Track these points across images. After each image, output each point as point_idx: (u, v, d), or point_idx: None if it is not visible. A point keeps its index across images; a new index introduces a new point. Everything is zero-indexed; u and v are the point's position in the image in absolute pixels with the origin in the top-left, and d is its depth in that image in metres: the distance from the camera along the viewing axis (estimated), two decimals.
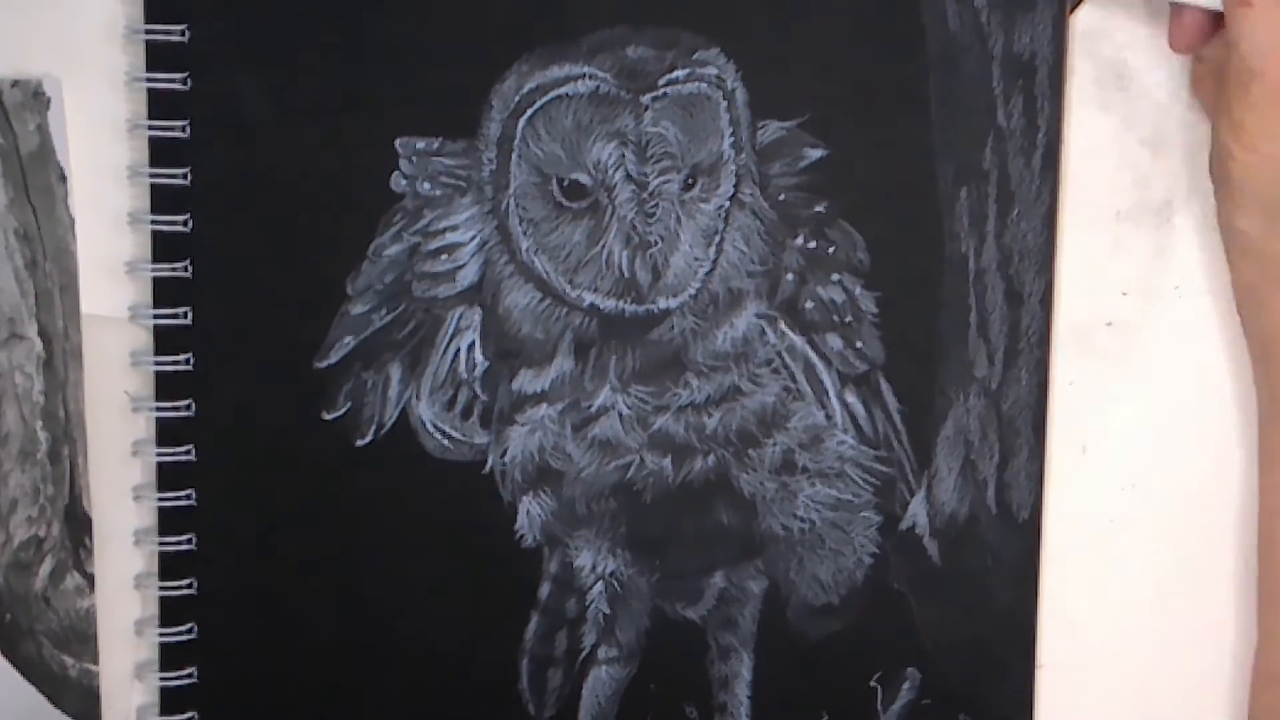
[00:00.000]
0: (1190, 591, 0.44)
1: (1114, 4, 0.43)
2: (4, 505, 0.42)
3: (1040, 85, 0.42)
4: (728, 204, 0.42)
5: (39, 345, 0.42)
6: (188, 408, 0.42)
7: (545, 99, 0.41)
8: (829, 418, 0.43)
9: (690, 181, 0.42)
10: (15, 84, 0.41)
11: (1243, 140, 0.36)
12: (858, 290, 0.43)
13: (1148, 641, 0.44)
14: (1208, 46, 0.40)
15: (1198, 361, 0.44)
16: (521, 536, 0.43)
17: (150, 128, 0.41)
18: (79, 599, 0.42)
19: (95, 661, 0.43)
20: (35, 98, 0.41)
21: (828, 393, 0.43)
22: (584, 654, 0.44)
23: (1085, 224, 0.43)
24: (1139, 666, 0.45)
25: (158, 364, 0.41)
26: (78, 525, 0.42)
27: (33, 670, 0.43)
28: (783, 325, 0.43)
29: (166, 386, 0.42)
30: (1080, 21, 0.43)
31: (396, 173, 0.42)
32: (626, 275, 0.42)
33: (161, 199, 0.41)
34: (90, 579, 0.42)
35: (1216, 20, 0.39)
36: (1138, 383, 0.44)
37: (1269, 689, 0.40)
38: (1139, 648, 0.44)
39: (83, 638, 0.43)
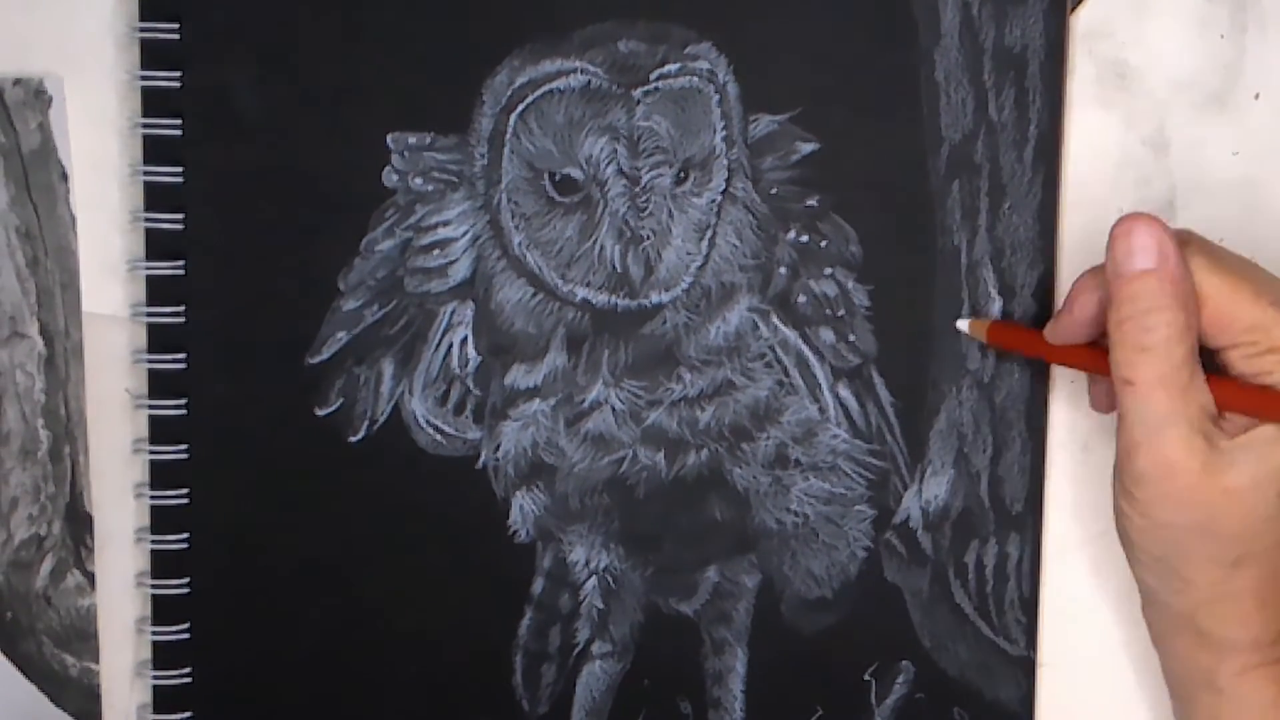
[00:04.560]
0: None
1: (1115, 3, 0.45)
2: (5, 504, 0.44)
3: (1032, 78, 0.44)
4: (719, 198, 0.44)
5: (40, 343, 0.44)
6: (182, 406, 0.44)
7: (537, 94, 0.44)
8: (822, 411, 0.45)
9: (682, 176, 0.44)
10: (17, 82, 0.43)
11: (1135, 506, 0.40)
12: (850, 284, 0.45)
13: (1147, 641, 0.45)
14: None
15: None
16: (515, 532, 0.46)
17: (144, 126, 0.44)
18: (80, 597, 0.45)
19: (96, 660, 0.45)
20: (37, 96, 0.43)
21: (820, 386, 0.45)
22: (578, 649, 0.46)
23: (1086, 223, 0.46)
24: (1139, 666, 0.46)
25: (151, 362, 0.44)
26: (78, 524, 0.45)
27: (33, 669, 0.45)
28: (775, 319, 0.45)
29: (160, 385, 0.45)
30: (1081, 21, 0.45)
31: (388, 168, 0.44)
32: (619, 270, 0.44)
33: (155, 197, 0.44)
34: (91, 577, 0.45)
35: None
36: None
37: None
38: (1139, 647, 0.45)
39: (83, 636, 0.45)
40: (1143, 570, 0.41)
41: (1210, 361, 0.40)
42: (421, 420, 0.45)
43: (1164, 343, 0.38)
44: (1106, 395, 0.44)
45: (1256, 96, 0.46)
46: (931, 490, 0.46)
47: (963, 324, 0.44)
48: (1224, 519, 0.39)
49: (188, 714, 0.45)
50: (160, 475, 0.44)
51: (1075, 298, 0.41)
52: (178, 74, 0.43)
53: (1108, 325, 0.39)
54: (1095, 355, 0.41)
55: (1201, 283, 0.39)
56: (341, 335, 0.45)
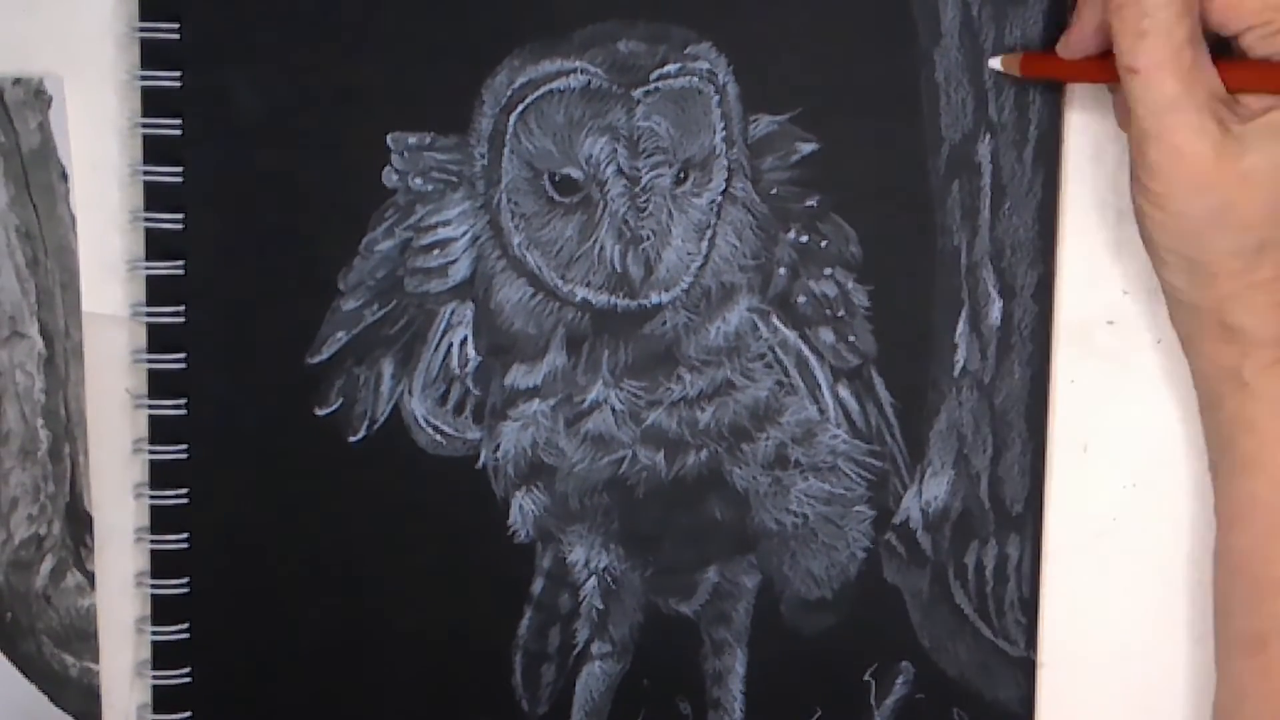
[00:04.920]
0: (1191, 591, 0.47)
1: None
2: (5, 503, 0.45)
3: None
4: (719, 198, 0.45)
5: (40, 343, 0.45)
6: (182, 406, 0.45)
7: (536, 94, 0.44)
8: (822, 412, 0.45)
9: (682, 176, 0.44)
10: (17, 82, 0.44)
11: (1152, 200, 0.39)
12: (850, 284, 0.45)
13: (1148, 641, 0.46)
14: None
15: None
16: (514, 532, 0.46)
17: (144, 126, 0.44)
18: (79, 597, 0.45)
19: (96, 660, 0.45)
20: (37, 96, 0.44)
21: (820, 387, 0.45)
22: (577, 649, 0.47)
23: (1086, 223, 0.46)
24: (1139, 666, 0.46)
25: (151, 362, 0.45)
26: (78, 523, 0.45)
27: (33, 669, 0.45)
28: (775, 319, 0.45)
29: (160, 385, 0.45)
30: (1080, 18, 0.44)
31: (388, 168, 0.45)
32: (619, 270, 0.44)
33: (155, 197, 0.44)
34: (91, 577, 0.45)
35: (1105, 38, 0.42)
36: (1139, 382, 0.46)
37: None
38: (1139, 648, 0.46)
39: (83, 636, 0.45)
40: (1167, 270, 0.41)
41: (1227, 48, 0.39)
42: (421, 420, 0.45)
43: (1163, 25, 0.38)
44: (1081, 43, 0.43)
45: None
46: (931, 491, 0.46)
47: (995, 62, 0.43)
48: (1242, 204, 0.38)
49: (187, 714, 0.46)
50: (160, 475, 0.45)
51: (1082, 7, 0.41)
52: (178, 74, 0.44)
53: (1108, 15, 0.39)
54: (1113, 66, 0.41)
55: None
56: (341, 335, 0.45)
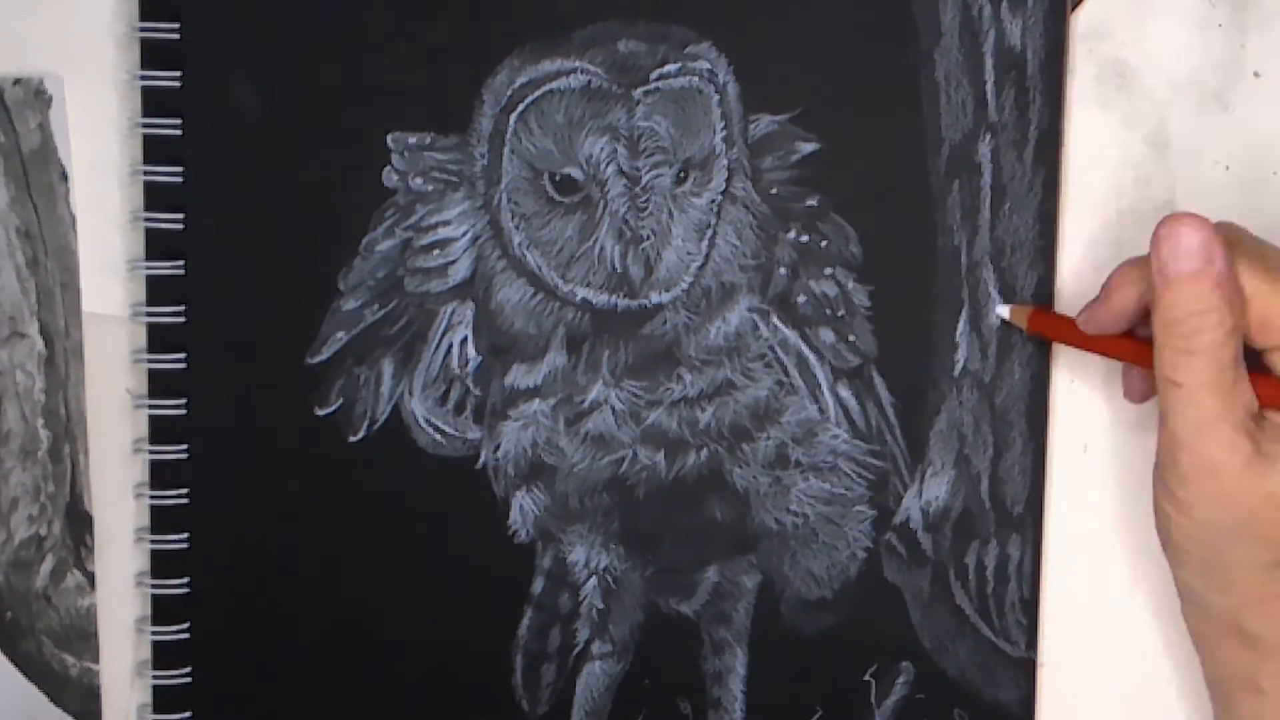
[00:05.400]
0: None
1: (1115, 3, 0.45)
2: (5, 503, 0.45)
3: (1033, 78, 0.45)
4: (720, 198, 0.45)
5: (40, 343, 0.45)
6: (182, 406, 0.45)
7: (537, 94, 0.44)
8: (822, 412, 0.45)
9: (682, 176, 0.44)
10: (17, 82, 0.44)
11: (1177, 507, 0.40)
12: (850, 284, 0.45)
13: (1148, 641, 0.46)
14: None
15: None
16: (514, 532, 0.46)
17: (144, 126, 0.44)
18: (79, 597, 0.45)
19: (96, 660, 0.46)
20: (37, 96, 0.44)
21: (820, 386, 0.45)
22: (577, 649, 0.47)
23: (1086, 223, 0.46)
24: (1139, 666, 0.46)
25: (151, 362, 0.45)
26: (78, 523, 0.45)
27: (33, 669, 0.45)
28: (775, 319, 0.45)
29: (160, 385, 0.45)
30: (1081, 20, 0.45)
31: (388, 168, 0.45)
32: (619, 270, 0.44)
33: (155, 197, 0.44)
34: (91, 577, 0.45)
35: None
36: None
37: None
38: (1139, 648, 0.46)
39: (83, 636, 0.45)
40: (1184, 571, 0.41)
41: (1253, 360, 0.40)
42: (421, 420, 0.45)
43: (1211, 346, 0.38)
44: (1140, 384, 0.44)
45: (1256, 75, 0.46)
46: (932, 491, 0.46)
47: (1003, 310, 0.44)
48: (1266, 522, 0.39)
49: (187, 714, 0.46)
50: (160, 475, 0.45)
51: (1114, 290, 0.41)
52: (178, 74, 0.44)
53: (1154, 325, 0.39)
54: (1134, 346, 0.41)
55: (1247, 283, 0.39)
56: (341, 335, 0.45)
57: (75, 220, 0.44)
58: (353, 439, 0.45)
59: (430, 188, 0.45)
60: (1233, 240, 0.40)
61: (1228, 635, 0.41)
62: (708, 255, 0.45)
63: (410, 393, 0.45)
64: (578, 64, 0.44)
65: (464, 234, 0.45)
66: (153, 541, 0.45)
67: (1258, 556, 0.39)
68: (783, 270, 0.45)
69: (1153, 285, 0.39)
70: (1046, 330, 0.44)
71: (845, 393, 0.46)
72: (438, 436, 0.45)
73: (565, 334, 0.45)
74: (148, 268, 0.44)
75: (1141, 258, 0.40)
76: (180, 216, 0.44)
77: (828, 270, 0.45)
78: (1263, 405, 0.39)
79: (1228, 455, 0.38)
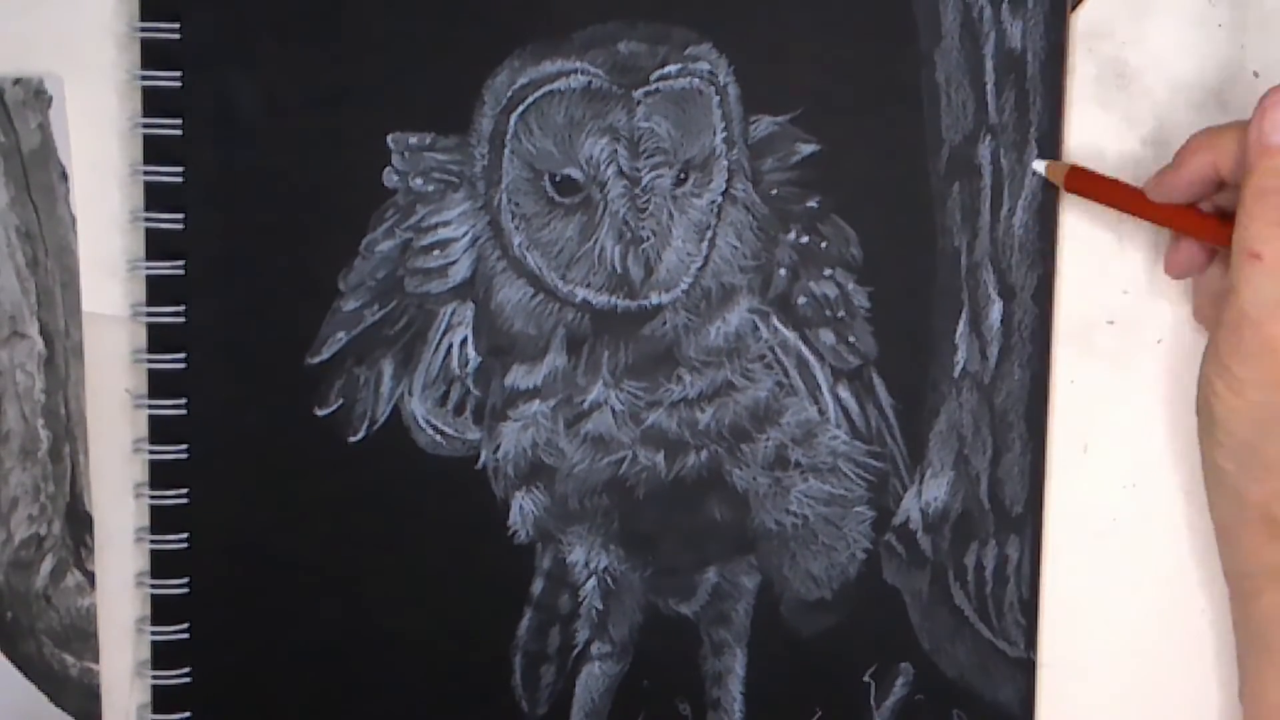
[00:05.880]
0: (1191, 590, 0.47)
1: (1115, 3, 0.45)
2: (5, 503, 0.45)
3: (1033, 80, 0.45)
4: (720, 199, 0.45)
5: (40, 343, 0.45)
6: (182, 406, 0.45)
7: (537, 94, 0.44)
8: (822, 413, 0.45)
9: (682, 177, 0.44)
10: (17, 82, 0.44)
11: (1230, 384, 0.39)
12: (850, 285, 0.45)
13: (1148, 641, 0.46)
14: (1205, 276, 0.43)
15: (1199, 360, 0.45)
16: (514, 532, 0.46)
17: (144, 126, 0.44)
18: (79, 597, 0.45)
19: (96, 660, 0.46)
20: (37, 96, 0.44)
21: (820, 388, 0.45)
22: (577, 650, 0.47)
23: (1086, 222, 0.46)
24: (1139, 666, 0.47)
25: (151, 362, 0.45)
26: (78, 523, 0.45)
27: (33, 669, 0.45)
28: (775, 320, 0.45)
29: (160, 385, 0.45)
30: (1081, 20, 0.45)
31: (389, 168, 0.45)
32: (619, 270, 0.45)
33: (156, 197, 0.44)
34: (91, 577, 0.45)
35: (1211, 251, 0.42)
36: (1139, 381, 0.46)
37: None
38: (1139, 648, 0.46)
39: (83, 636, 0.45)
40: (1222, 454, 0.41)
41: None
42: (421, 421, 0.45)
43: None
44: (1187, 260, 0.43)
45: (1256, 75, 0.46)
46: (931, 492, 0.46)
47: (1039, 165, 0.43)
48: None
49: (187, 714, 0.46)
50: (160, 475, 0.45)
51: (1188, 156, 0.41)
52: (178, 74, 0.44)
53: (1242, 195, 0.39)
54: (1200, 219, 0.41)
55: None
56: (341, 335, 0.45)
57: (75, 220, 0.44)
58: (352, 439, 0.45)
59: (430, 188, 0.45)
60: None
61: (1258, 524, 0.40)
62: (708, 256, 0.45)
63: (410, 393, 0.45)
64: (578, 65, 0.44)
65: (464, 234, 0.45)
66: (153, 541, 0.45)
67: None
68: (783, 271, 0.45)
69: (1245, 153, 0.38)
70: (1086, 190, 0.42)
71: (845, 394, 0.46)
72: (437, 437, 0.46)
73: (565, 335, 0.45)
74: (148, 268, 0.44)
75: (1221, 127, 0.39)
76: (180, 216, 0.44)
77: (828, 271, 0.45)
78: None
79: None
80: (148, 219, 0.44)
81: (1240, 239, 0.39)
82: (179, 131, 0.44)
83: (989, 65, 0.45)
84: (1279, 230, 0.38)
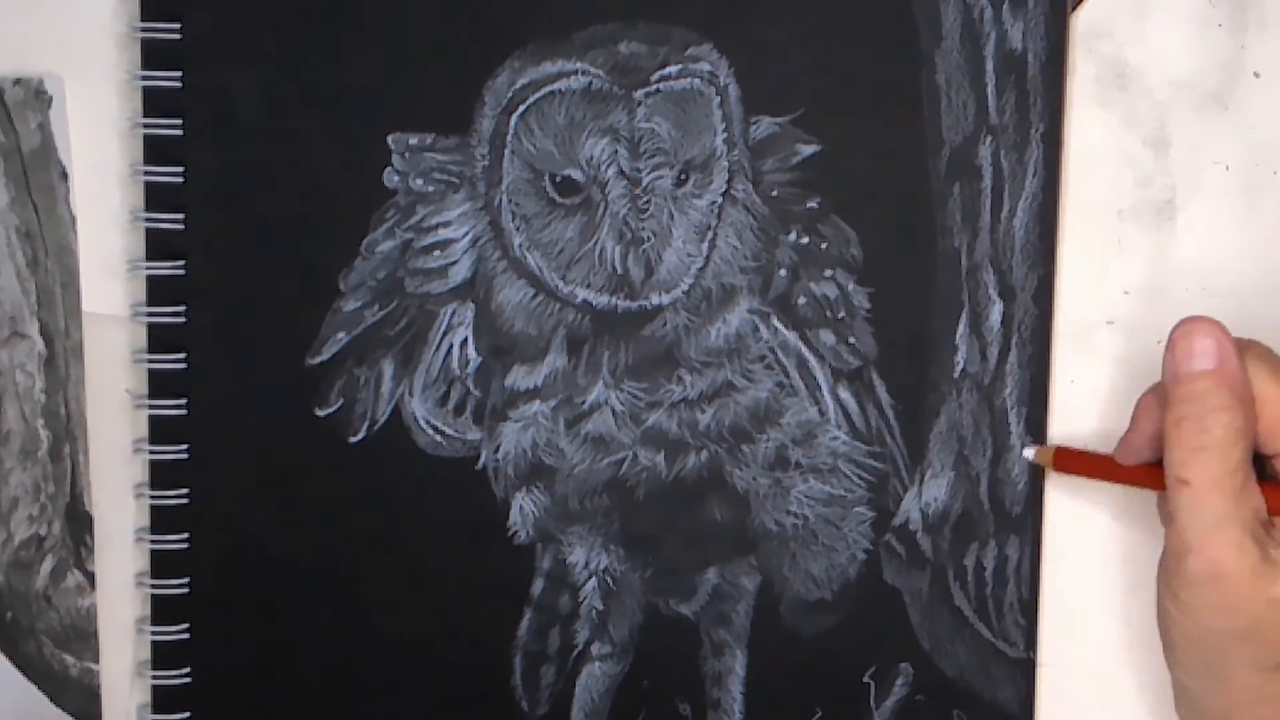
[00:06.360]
0: None
1: (1115, 3, 0.45)
2: (5, 504, 0.45)
3: (1033, 81, 0.45)
4: (720, 200, 0.45)
5: (40, 343, 0.45)
6: (182, 406, 0.45)
7: (538, 95, 0.44)
8: (822, 413, 0.45)
9: (683, 177, 0.44)
10: (17, 82, 0.44)
11: (1180, 608, 0.40)
12: (850, 286, 0.45)
13: (1147, 642, 0.46)
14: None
15: None
16: (514, 533, 0.46)
17: (145, 126, 0.44)
18: (80, 597, 0.46)
19: (96, 660, 0.46)
20: (37, 96, 0.44)
21: (820, 388, 0.45)
22: (577, 650, 0.47)
23: (1086, 223, 0.46)
24: (1139, 668, 0.46)
25: (152, 362, 0.45)
26: (78, 523, 0.45)
27: (33, 669, 0.46)
28: (775, 321, 0.45)
29: (160, 385, 0.45)
30: (1081, 20, 0.45)
31: (389, 169, 0.45)
32: (619, 271, 0.45)
33: (155, 197, 0.44)
34: (91, 577, 0.46)
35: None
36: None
37: None
38: (1139, 649, 0.46)
39: (83, 636, 0.46)
40: (1182, 672, 0.42)
41: (1261, 469, 0.40)
42: (421, 421, 0.45)
43: (1221, 443, 0.39)
44: (1138, 449, 0.44)
45: (1256, 75, 0.46)
46: (931, 492, 0.46)
47: (1029, 452, 0.45)
48: (1269, 627, 0.39)
49: (187, 714, 0.46)
50: (160, 475, 0.45)
51: (1139, 415, 0.42)
52: (178, 74, 0.44)
53: (1165, 426, 0.40)
54: (1152, 472, 0.42)
55: (1259, 388, 0.40)
56: (342, 336, 0.45)
57: (75, 220, 0.44)
58: (353, 439, 0.45)
59: (431, 188, 0.45)
60: (1245, 346, 0.40)
61: None
62: (708, 257, 0.45)
63: (410, 393, 0.45)
64: (579, 65, 0.44)
65: (464, 235, 0.45)
66: (153, 541, 0.45)
67: (1259, 659, 0.40)
68: (783, 272, 0.45)
69: (1167, 387, 0.39)
70: (1072, 467, 0.44)
71: (845, 394, 0.46)
72: (438, 437, 0.46)
73: (566, 335, 0.45)
74: (148, 268, 0.44)
75: (1159, 383, 0.41)
76: (180, 216, 0.44)
77: (828, 272, 0.45)
78: (1272, 512, 0.40)
79: (1235, 559, 0.39)
80: (148, 219, 0.44)
81: (1168, 467, 0.39)
82: (179, 131, 0.44)
83: (989, 66, 0.45)
84: (1199, 454, 0.39)
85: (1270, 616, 0.39)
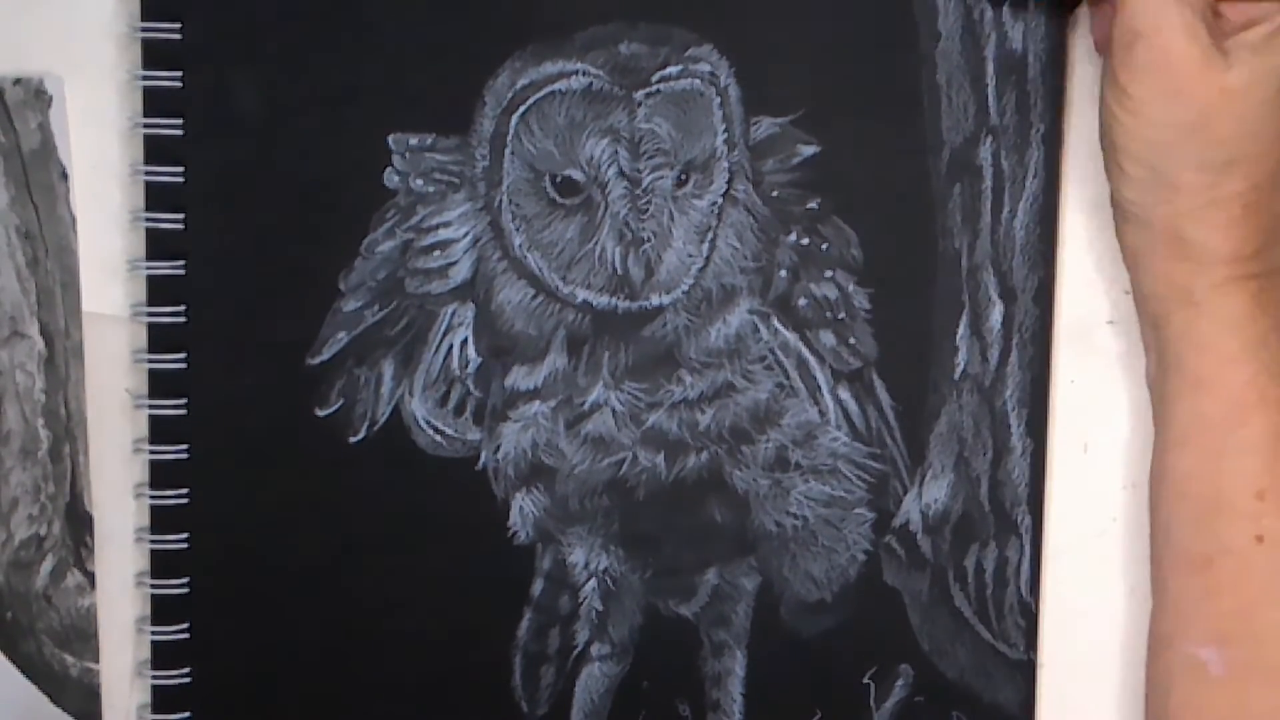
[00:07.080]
0: None
1: None
2: (5, 503, 0.45)
3: (1033, 81, 0.45)
4: (720, 200, 0.45)
5: (40, 343, 0.45)
6: (182, 406, 0.45)
7: (538, 95, 0.44)
8: (822, 414, 0.45)
9: (683, 178, 0.45)
10: (17, 82, 0.44)
11: (1127, 105, 0.39)
12: (851, 287, 0.45)
13: (1147, 645, 0.46)
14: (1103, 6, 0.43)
15: None
16: (514, 533, 0.46)
17: (145, 126, 0.44)
18: (80, 597, 0.46)
19: (96, 660, 0.46)
20: (37, 96, 0.44)
21: (821, 389, 0.45)
22: (577, 651, 0.47)
23: (1086, 222, 0.46)
24: (1139, 668, 0.46)
25: (152, 362, 0.45)
26: (78, 523, 0.45)
27: (33, 669, 0.46)
28: (776, 322, 0.45)
29: (160, 385, 0.45)
30: (1080, 20, 0.45)
31: (389, 169, 0.45)
32: (619, 271, 0.45)
33: (156, 197, 0.44)
34: (91, 577, 0.46)
35: None
36: (1139, 381, 0.46)
37: (1162, 652, 0.42)
38: (1139, 648, 0.46)
39: (83, 636, 0.46)
40: (1126, 183, 0.40)
41: None
42: (421, 421, 0.46)
43: None
44: (1108, 30, 0.42)
45: None
46: (931, 493, 0.46)
47: None
48: (1218, 119, 0.38)
49: (187, 714, 0.46)
50: (160, 475, 0.45)
51: None
52: (178, 74, 0.44)
53: None
54: None
55: None
56: (342, 336, 0.45)
57: (75, 220, 0.45)
58: (353, 439, 0.45)
59: (431, 189, 0.45)
60: None
61: (1166, 248, 0.40)
62: (708, 257, 0.45)
63: (410, 394, 0.45)
64: (579, 66, 0.44)
65: (465, 235, 0.45)
66: (153, 541, 0.45)
67: (1208, 156, 0.39)
68: (783, 273, 0.45)
69: None
70: None
71: (845, 395, 0.46)
72: (438, 437, 0.46)
73: (566, 336, 0.45)
74: (148, 268, 0.44)
75: None
76: (180, 216, 0.44)
77: (828, 273, 0.45)
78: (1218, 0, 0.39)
79: (1185, 44, 0.38)
80: (148, 219, 0.44)
81: None
82: (179, 131, 0.44)
83: (990, 66, 0.45)
84: None
85: (1221, 108, 0.38)
